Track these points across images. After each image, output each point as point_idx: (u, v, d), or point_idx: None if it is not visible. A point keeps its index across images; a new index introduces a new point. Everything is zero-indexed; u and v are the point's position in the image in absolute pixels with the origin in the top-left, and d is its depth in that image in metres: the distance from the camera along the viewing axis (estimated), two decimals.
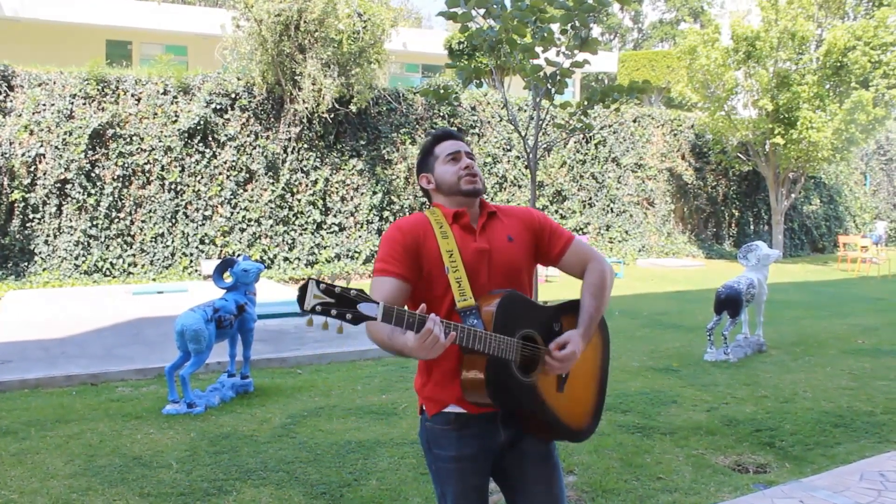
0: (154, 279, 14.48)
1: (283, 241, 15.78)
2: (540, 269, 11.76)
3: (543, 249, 2.48)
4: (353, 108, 15.82)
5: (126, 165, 14.59)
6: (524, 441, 2.39)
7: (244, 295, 6.57)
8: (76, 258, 14.19)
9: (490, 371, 2.18)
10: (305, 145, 16.07)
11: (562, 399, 2.35)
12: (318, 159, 16.20)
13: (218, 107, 15.40)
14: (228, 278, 6.63)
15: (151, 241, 14.73)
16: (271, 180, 15.72)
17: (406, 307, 2.08)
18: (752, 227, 22.91)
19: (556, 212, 19.24)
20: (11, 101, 14.21)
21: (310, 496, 4.28)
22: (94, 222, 14.34)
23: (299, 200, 15.98)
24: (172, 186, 14.94)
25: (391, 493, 4.32)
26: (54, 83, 14.47)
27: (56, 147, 14.15)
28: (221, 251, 15.17)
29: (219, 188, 15.26)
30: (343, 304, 1.92)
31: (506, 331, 2.20)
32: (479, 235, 2.38)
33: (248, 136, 15.63)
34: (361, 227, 16.54)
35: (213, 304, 6.30)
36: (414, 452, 4.97)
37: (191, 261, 14.90)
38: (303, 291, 1.89)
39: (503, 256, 2.37)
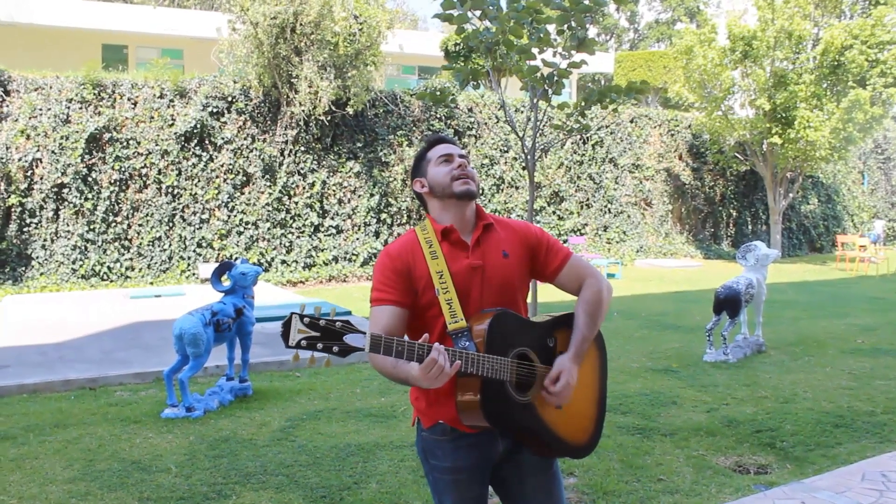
0: (152, 283, 14.45)
1: (281, 243, 15.77)
2: None
3: (539, 266, 2.44)
4: (349, 110, 15.81)
5: (123, 169, 14.57)
6: (523, 451, 2.37)
7: (242, 298, 6.56)
8: (73, 262, 14.17)
9: (485, 393, 2.15)
10: (302, 148, 16.06)
11: (561, 415, 2.31)
12: (315, 162, 16.19)
13: (214, 110, 15.39)
14: (226, 281, 6.62)
15: (149, 245, 14.71)
16: (268, 183, 15.70)
17: (405, 335, 2.06)
18: (749, 227, 22.93)
19: (554, 213, 19.24)
20: (8, 105, 14.19)
21: (309, 500, 4.27)
22: (92, 226, 14.31)
23: (296, 203, 15.97)
24: (169, 190, 14.92)
25: (391, 496, 4.31)
26: (50, 87, 14.45)
27: (53, 151, 14.13)
28: (219, 254, 15.15)
29: (216, 191, 15.24)
30: (329, 337, 1.89)
31: (499, 351, 2.17)
32: (473, 251, 2.33)
33: (245, 139, 15.62)
34: (359, 229, 16.53)
35: (212, 308, 6.29)
36: (413, 455, 4.96)
37: (188, 264, 14.88)
38: (286, 327, 1.85)
39: (497, 273, 2.32)
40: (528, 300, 2.51)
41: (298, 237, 15.95)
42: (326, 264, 16.05)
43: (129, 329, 9.57)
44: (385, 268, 2.29)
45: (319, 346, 1.88)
